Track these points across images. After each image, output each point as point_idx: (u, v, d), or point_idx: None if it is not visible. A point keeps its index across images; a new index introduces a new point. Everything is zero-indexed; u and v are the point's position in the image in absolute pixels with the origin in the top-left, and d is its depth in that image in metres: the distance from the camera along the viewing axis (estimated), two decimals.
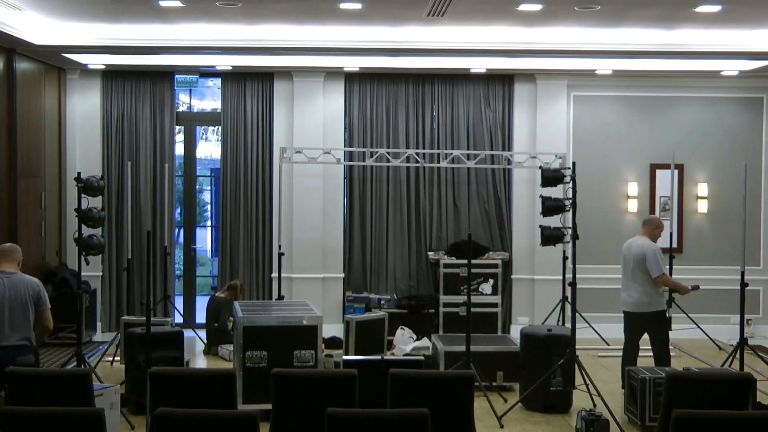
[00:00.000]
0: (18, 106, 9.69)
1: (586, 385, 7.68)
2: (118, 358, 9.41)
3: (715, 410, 4.85)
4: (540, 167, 9.13)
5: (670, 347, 8.54)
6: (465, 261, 10.96)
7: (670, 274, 9.71)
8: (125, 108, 11.40)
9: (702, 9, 8.17)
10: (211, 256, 15.17)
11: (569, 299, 10.95)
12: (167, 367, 6.35)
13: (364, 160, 11.39)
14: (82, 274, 8.74)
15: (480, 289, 10.96)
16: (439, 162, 11.35)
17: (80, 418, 4.61)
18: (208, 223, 15.25)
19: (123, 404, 7.08)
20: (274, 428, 5.41)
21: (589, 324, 10.82)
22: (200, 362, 10.07)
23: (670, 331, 8.73)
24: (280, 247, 10.99)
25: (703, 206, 11.68)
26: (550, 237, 8.27)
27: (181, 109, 11.93)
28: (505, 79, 11.60)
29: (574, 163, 8.43)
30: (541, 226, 8.38)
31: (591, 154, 11.58)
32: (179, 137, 11.73)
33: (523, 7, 8.15)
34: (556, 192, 8.63)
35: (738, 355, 8.22)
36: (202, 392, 5.42)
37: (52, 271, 10.50)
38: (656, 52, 9.63)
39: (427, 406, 4.73)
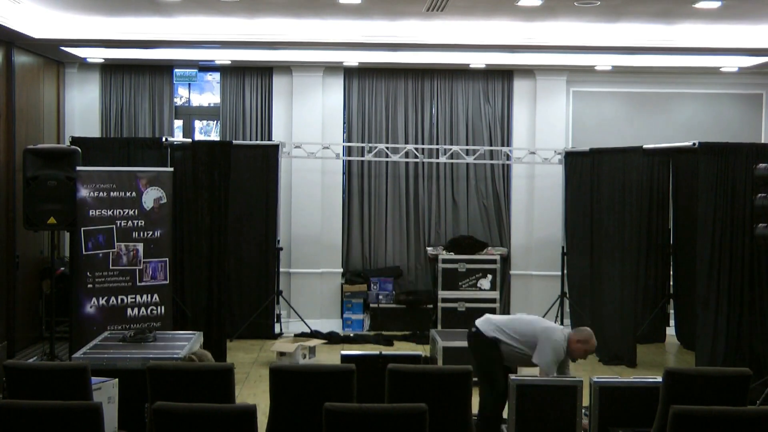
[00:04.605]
0: (17, 99, 9.67)
1: None
2: None
3: (713, 406, 4.85)
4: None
5: None
6: (464, 256, 11.03)
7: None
8: (124, 102, 11.41)
9: (702, 5, 8.16)
10: None
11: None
12: (166, 362, 6.32)
13: (363, 156, 11.39)
14: None
15: (478, 285, 10.97)
16: (438, 157, 11.34)
17: (78, 411, 4.61)
18: None
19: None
20: (272, 422, 5.42)
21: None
22: None
23: None
24: (278, 241, 11.00)
25: None
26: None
27: (180, 103, 11.92)
28: (505, 75, 11.60)
29: None
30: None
31: None
32: (178, 132, 11.72)
33: (523, 3, 8.13)
34: None
35: None
36: (199, 387, 5.42)
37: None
38: (656, 48, 9.62)
39: (425, 401, 4.72)
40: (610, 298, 10.12)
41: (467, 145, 11.48)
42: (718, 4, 8.14)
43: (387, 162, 11.48)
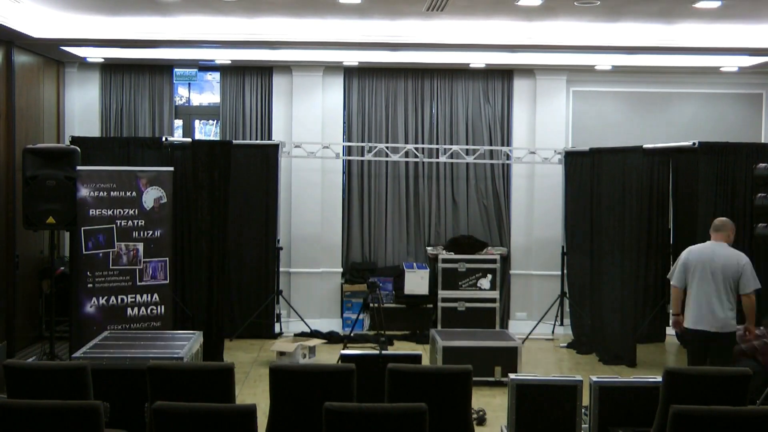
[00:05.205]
0: (17, 99, 9.67)
1: None
2: None
3: (713, 406, 4.85)
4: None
5: None
6: (464, 256, 11.03)
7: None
8: (124, 101, 11.42)
9: (702, 5, 8.16)
10: None
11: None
12: (166, 362, 6.33)
13: (362, 155, 11.39)
14: None
15: (478, 285, 10.97)
16: (438, 157, 11.34)
17: (78, 411, 4.61)
18: None
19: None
20: (272, 422, 5.41)
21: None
22: None
23: None
24: (278, 241, 11.00)
25: None
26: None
27: (180, 102, 11.92)
28: (505, 74, 11.59)
29: None
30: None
31: None
32: (178, 131, 11.72)
33: (523, 2, 8.13)
34: None
35: None
36: (199, 387, 5.42)
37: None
38: (656, 47, 9.62)
39: (424, 401, 4.73)
40: (610, 298, 10.12)
41: (467, 144, 11.48)
42: (718, 4, 8.14)
43: (387, 162, 11.48)
